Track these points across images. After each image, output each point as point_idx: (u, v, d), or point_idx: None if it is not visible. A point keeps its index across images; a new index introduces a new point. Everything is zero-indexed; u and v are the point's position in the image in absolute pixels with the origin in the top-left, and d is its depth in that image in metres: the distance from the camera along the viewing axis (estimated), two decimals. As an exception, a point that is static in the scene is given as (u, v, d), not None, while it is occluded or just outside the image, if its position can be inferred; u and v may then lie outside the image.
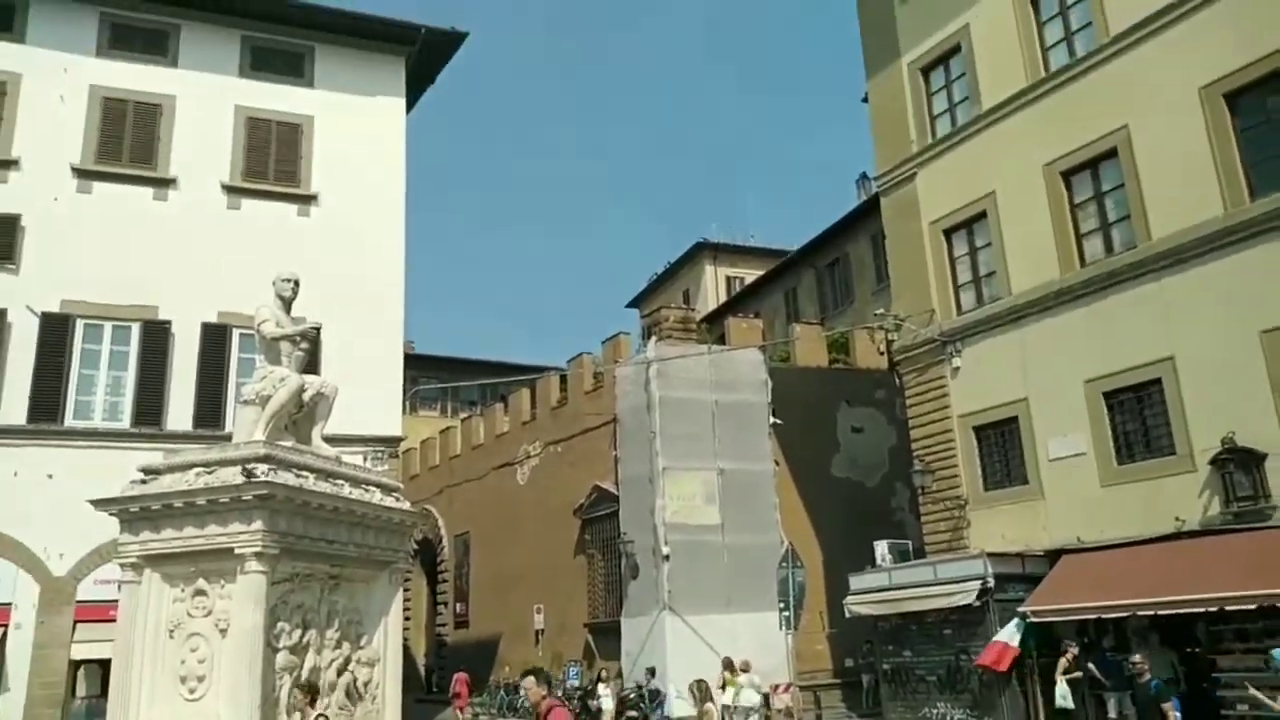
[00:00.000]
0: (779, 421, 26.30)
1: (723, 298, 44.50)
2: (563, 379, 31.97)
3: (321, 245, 20.51)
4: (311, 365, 13.67)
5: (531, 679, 7.25)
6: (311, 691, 7.97)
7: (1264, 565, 13.90)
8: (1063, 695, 14.80)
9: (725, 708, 19.11)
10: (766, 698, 18.30)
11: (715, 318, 37.55)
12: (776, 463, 26.25)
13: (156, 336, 19.68)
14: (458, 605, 36.75)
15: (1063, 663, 15.34)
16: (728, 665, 19.79)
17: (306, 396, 11.98)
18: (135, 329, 19.62)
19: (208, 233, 20.28)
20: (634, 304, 51.25)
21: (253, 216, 20.87)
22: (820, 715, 18.47)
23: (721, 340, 29.28)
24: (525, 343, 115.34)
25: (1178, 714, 8.87)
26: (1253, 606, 13.92)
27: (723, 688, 19.38)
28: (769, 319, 36.99)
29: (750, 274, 44.56)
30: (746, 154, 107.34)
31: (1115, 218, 17.89)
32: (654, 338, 27.61)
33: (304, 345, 12.28)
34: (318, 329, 12.61)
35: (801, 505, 26.28)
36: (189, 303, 19.70)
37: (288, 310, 12.29)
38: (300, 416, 12.07)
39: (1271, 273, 15.14)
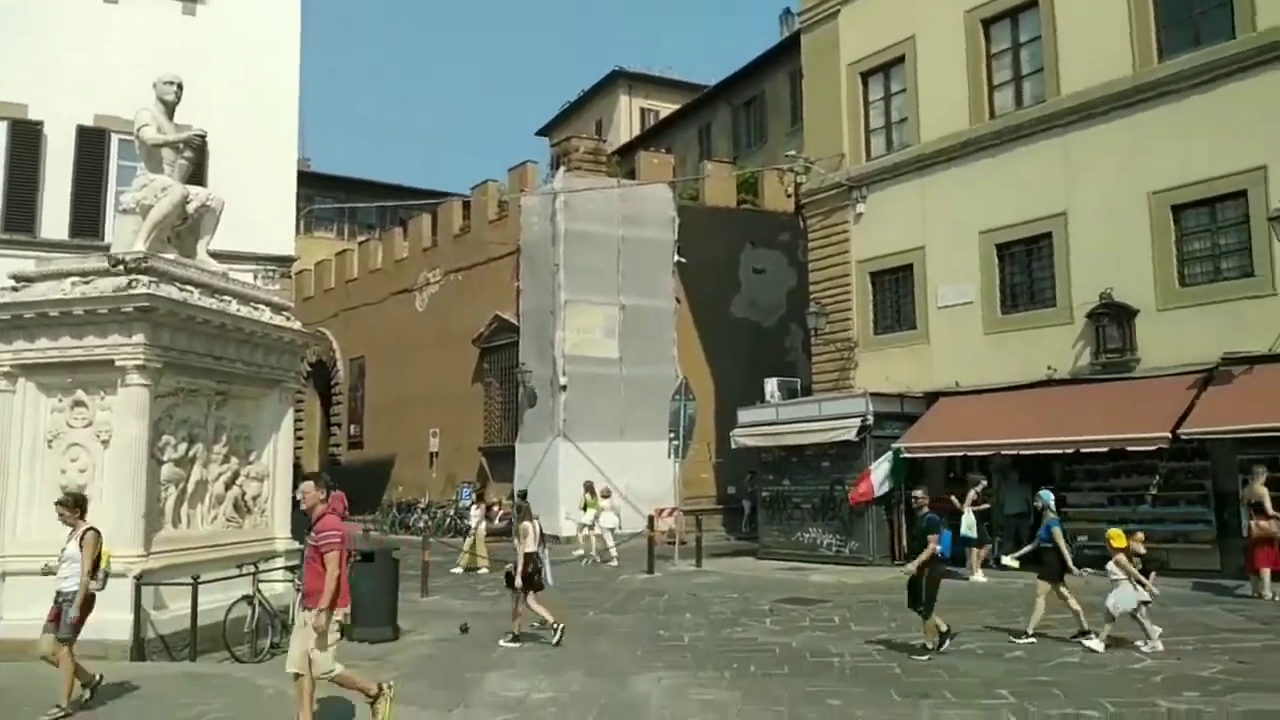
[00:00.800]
0: (684, 260, 26.45)
1: (636, 131, 43.54)
2: (466, 206, 31.25)
3: (209, 47, 19.05)
4: (197, 176, 12.98)
5: (310, 483, 7.18)
6: (80, 505, 7.87)
7: (1120, 412, 14.90)
8: (968, 525, 15.58)
9: (584, 526, 20.65)
10: (651, 519, 19.17)
11: (627, 151, 36.84)
12: (678, 300, 26.57)
13: (26, 137, 18.27)
14: (351, 427, 36.92)
15: (971, 495, 15.99)
16: (589, 488, 20.87)
17: (191, 208, 11.44)
18: (2, 128, 18.19)
19: (83, 29, 18.59)
20: (544, 132, 49.75)
21: (133, 13, 19.17)
22: (700, 537, 19.41)
23: (632, 174, 28.89)
24: (428, 168, 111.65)
25: (939, 546, 9.61)
26: (1104, 449, 15.02)
27: (584, 509, 20.69)
28: (681, 155, 36.49)
29: (666, 108, 43.55)
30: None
31: (1029, 70, 17.94)
32: (562, 168, 27.05)
33: (188, 154, 11.62)
34: (203, 136, 11.89)
35: (699, 342, 26.84)
36: (63, 104, 18.22)
37: (171, 116, 11.55)
38: (184, 229, 11.56)
39: (1169, 134, 15.52)
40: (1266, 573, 12.72)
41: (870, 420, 17.67)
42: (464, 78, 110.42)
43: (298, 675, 6.99)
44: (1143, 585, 9.82)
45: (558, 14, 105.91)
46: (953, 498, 16.11)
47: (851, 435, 17.71)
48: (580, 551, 20.37)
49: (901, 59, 19.95)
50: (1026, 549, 11.49)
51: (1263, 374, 13.92)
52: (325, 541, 6.92)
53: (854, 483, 17.62)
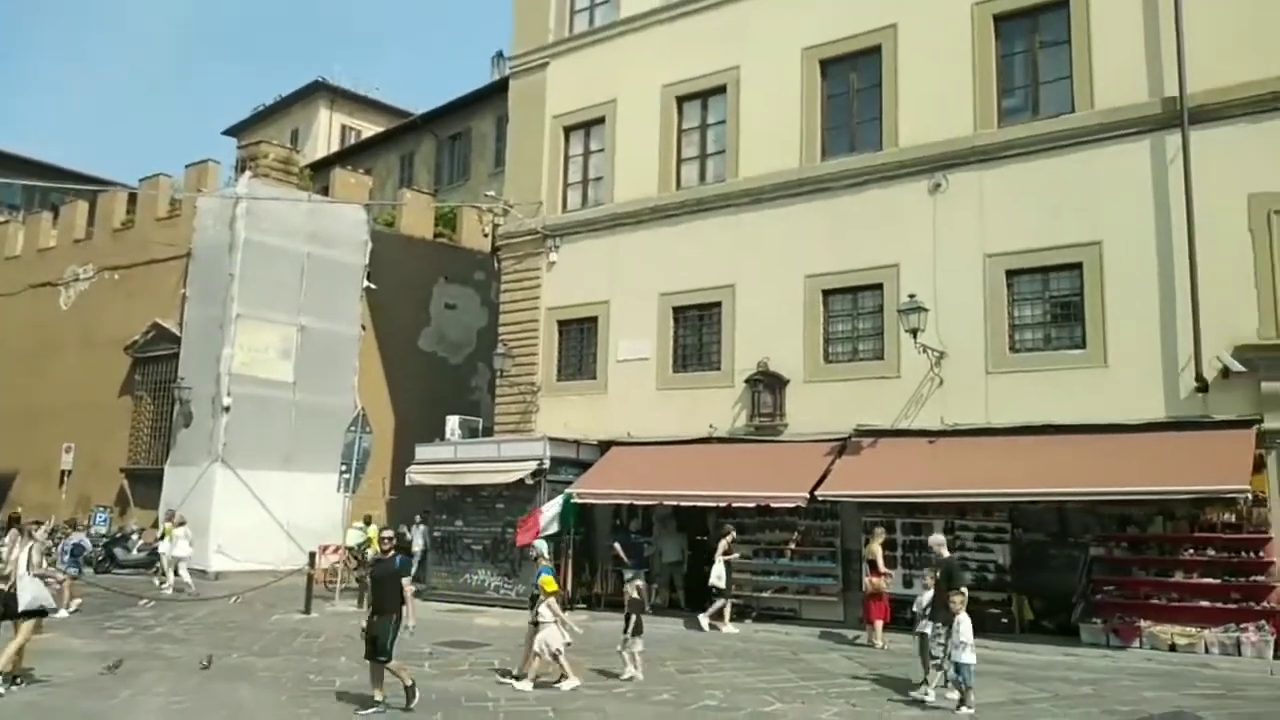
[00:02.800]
0: (373, 286, 25.72)
1: (335, 147, 41.87)
2: (132, 199, 28.37)
3: None
4: None
5: None
6: None
7: (768, 471, 16.34)
8: (717, 575, 15.75)
9: (162, 554, 20.26)
10: (313, 556, 18.24)
11: (323, 166, 35.28)
12: (364, 327, 25.73)
13: None
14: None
15: (723, 544, 16.16)
16: (169, 516, 20.52)
17: None
18: None
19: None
20: (232, 132, 46.52)
21: None
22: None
23: (326, 192, 27.74)
24: (95, 150, 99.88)
25: (410, 587, 10.10)
26: (752, 505, 16.39)
27: (162, 537, 20.31)
28: (381, 179, 35.60)
29: (369, 128, 42.32)
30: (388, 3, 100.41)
31: (713, 150, 19.44)
32: (249, 173, 25.41)
33: None
34: None
35: (383, 373, 26.10)
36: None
37: None
38: None
39: (824, 225, 17.41)
40: (879, 624, 14.36)
41: (546, 464, 18.05)
42: (151, 61, 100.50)
43: None
44: (566, 627, 11.09)
45: (263, 12, 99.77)
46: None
47: (527, 478, 17.97)
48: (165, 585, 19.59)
49: (603, 119, 20.88)
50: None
51: (885, 446, 15.88)
52: None
53: (523, 520, 17.86)
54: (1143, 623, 13.61)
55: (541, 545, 12.42)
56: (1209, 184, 13.96)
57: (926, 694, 10.48)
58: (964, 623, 10.05)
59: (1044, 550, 15.22)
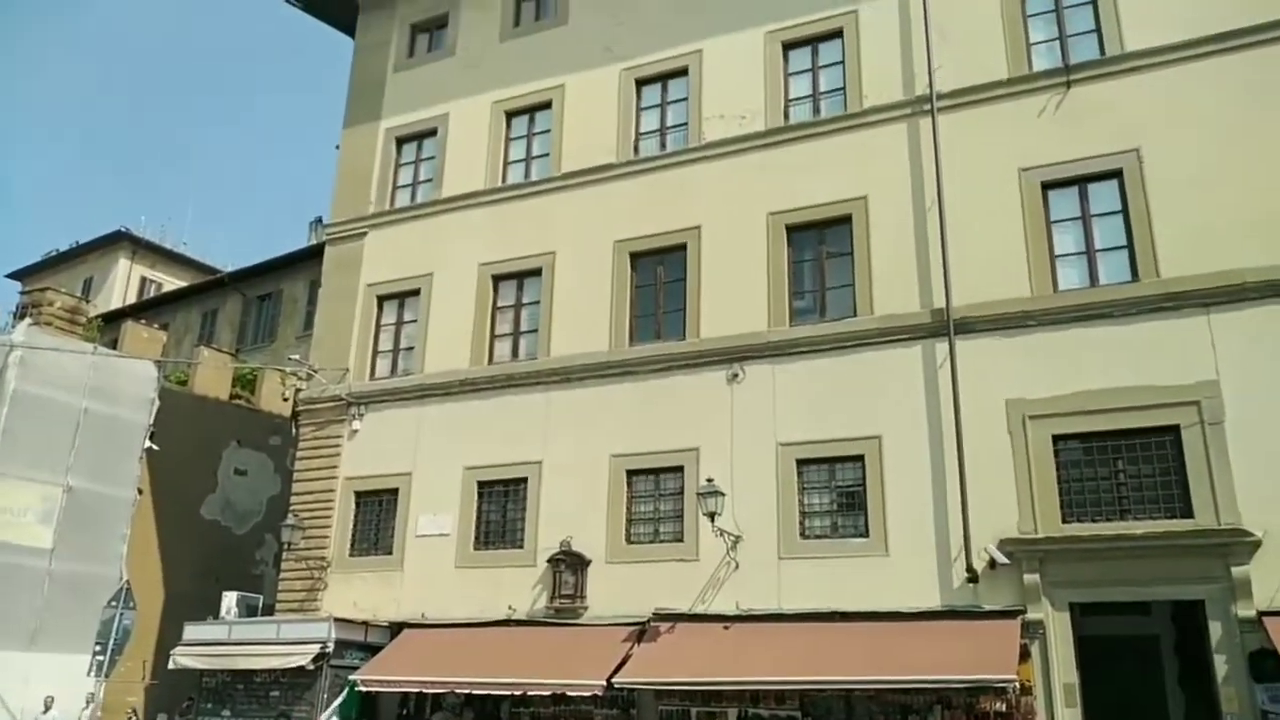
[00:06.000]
0: (155, 447, 24.01)
1: (133, 298, 39.95)
2: (-114, 341, 25.74)
3: None
4: None
5: None
6: None
7: (565, 656, 15.88)
8: None
9: None
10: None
11: (117, 317, 33.43)
12: (140, 490, 23.82)
13: None
14: None
15: None
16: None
17: None
18: None
19: None
20: (18, 275, 43.66)
21: None
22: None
23: (115, 344, 26.16)
24: None
25: None
26: (547, 693, 15.83)
27: None
28: (179, 335, 34.05)
29: (172, 282, 40.76)
30: (205, 157, 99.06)
31: (527, 328, 19.82)
32: (28, 320, 23.71)
33: None
34: None
35: (157, 542, 24.06)
36: None
37: None
38: None
39: (629, 407, 17.82)
40: None
41: (330, 648, 16.89)
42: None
43: None
44: None
45: (72, 153, 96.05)
46: None
47: (308, 662, 16.71)
48: None
49: (418, 291, 20.98)
50: None
51: (683, 631, 15.85)
52: None
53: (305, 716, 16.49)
54: (925, 812, 13.79)
55: None
56: (973, 388, 15.36)
57: None
58: None
59: (832, 740, 15.34)
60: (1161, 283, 14.72)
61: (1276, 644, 12.30)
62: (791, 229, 17.71)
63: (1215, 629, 13.29)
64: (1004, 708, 14.00)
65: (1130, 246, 15.26)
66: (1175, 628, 16.32)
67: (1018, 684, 13.47)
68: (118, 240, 41.60)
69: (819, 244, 17.59)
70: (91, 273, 41.61)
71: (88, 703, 18.44)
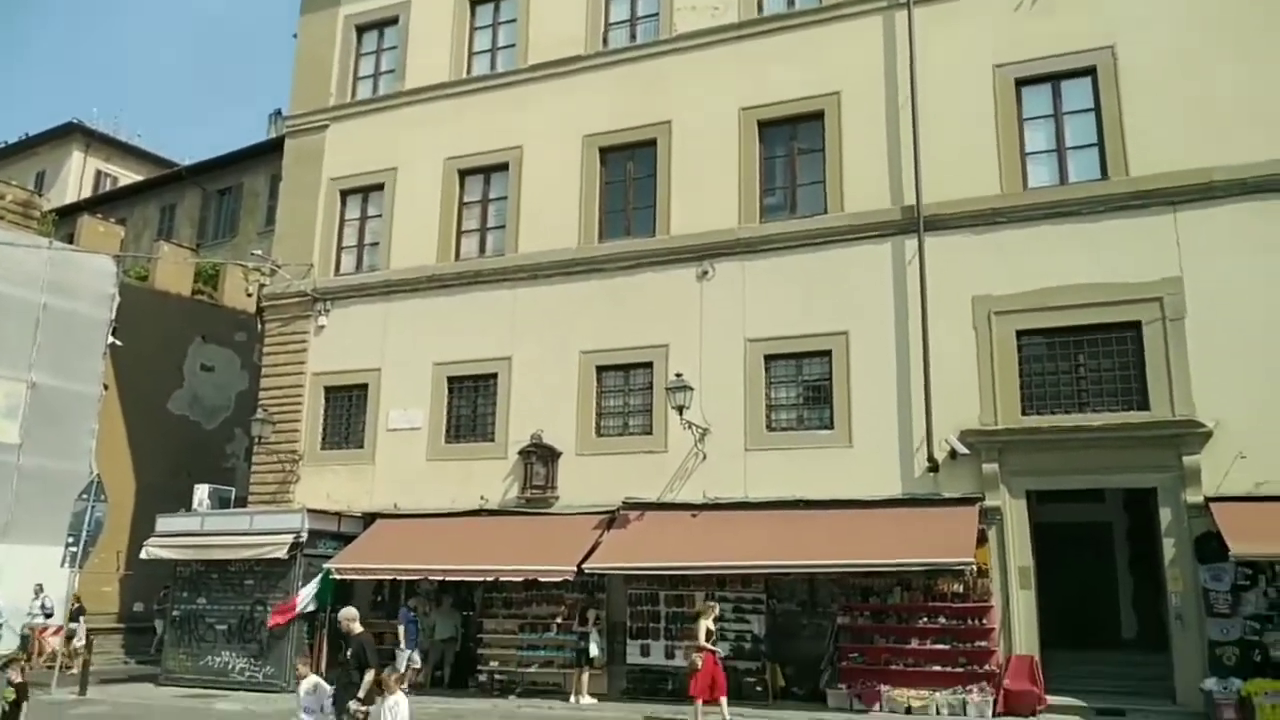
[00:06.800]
0: (118, 343, 23.77)
1: (88, 193, 38.83)
2: None
3: None
4: None
5: None
6: None
7: (537, 545, 16.22)
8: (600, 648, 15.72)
9: None
10: (25, 639, 16.29)
11: (73, 212, 32.59)
12: (105, 386, 23.67)
13: None
14: None
15: (592, 614, 15.89)
16: None
17: None
18: None
19: None
20: (-33, 168, 42.15)
21: None
22: (88, 660, 16.91)
23: (71, 239, 25.60)
24: None
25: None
26: (520, 579, 16.24)
27: None
28: (137, 230, 33.34)
29: (128, 176, 39.59)
30: (156, 46, 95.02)
31: (494, 224, 19.60)
32: (-20, 213, 23.11)
33: None
34: None
35: (126, 437, 24.04)
36: None
37: None
38: None
39: (599, 304, 17.85)
40: (700, 702, 13.24)
41: (304, 537, 17.15)
42: None
43: None
44: None
45: (20, 43, 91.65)
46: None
47: (282, 553, 16.97)
48: None
49: (382, 186, 20.61)
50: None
51: (651, 519, 16.25)
52: None
53: (278, 604, 16.82)
54: (883, 687, 14.46)
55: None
56: (941, 285, 15.53)
57: None
58: (400, 705, 9.00)
59: (796, 620, 15.93)
60: (1130, 181, 14.84)
61: (1220, 527, 12.87)
62: (763, 124, 17.52)
63: (1165, 515, 13.88)
64: (961, 589, 14.60)
65: (1101, 144, 15.32)
66: (1127, 515, 17.00)
67: (975, 567, 14.06)
68: (69, 132, 40.15)
69: (791, 140, 17.44)
70: (44, 166, 40.27)
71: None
